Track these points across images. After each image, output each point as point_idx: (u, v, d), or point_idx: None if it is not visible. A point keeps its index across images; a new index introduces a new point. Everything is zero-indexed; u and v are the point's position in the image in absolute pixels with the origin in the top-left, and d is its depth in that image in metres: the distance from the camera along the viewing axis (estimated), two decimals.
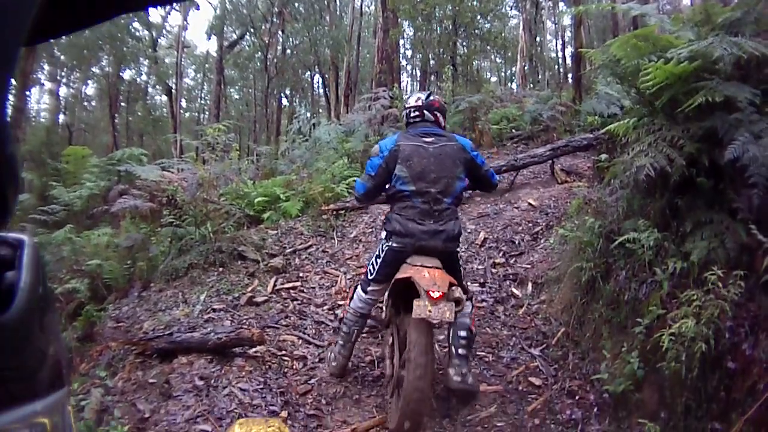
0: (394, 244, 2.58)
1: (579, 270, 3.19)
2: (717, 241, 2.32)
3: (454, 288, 2.43)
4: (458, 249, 2.82)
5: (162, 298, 4.00)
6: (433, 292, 2.31)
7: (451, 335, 2.69)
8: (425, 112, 2.76)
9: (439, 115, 2.78)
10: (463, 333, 2.66)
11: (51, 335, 0.46)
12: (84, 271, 4.23)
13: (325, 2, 19.42)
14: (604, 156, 3.96)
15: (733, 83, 2.49)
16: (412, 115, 2.78)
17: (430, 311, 2.28)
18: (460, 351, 2.63)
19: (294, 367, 3.16)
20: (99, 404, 2.67)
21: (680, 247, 2.53)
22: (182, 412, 2.61)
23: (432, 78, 14.26)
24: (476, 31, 12.66)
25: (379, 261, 2.66)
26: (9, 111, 0.38)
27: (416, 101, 2.80)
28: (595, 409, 2.66)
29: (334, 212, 5.62)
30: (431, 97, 2.80)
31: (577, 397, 2.78)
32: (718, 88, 2.44)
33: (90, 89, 24.55)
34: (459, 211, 2.84)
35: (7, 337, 0.37)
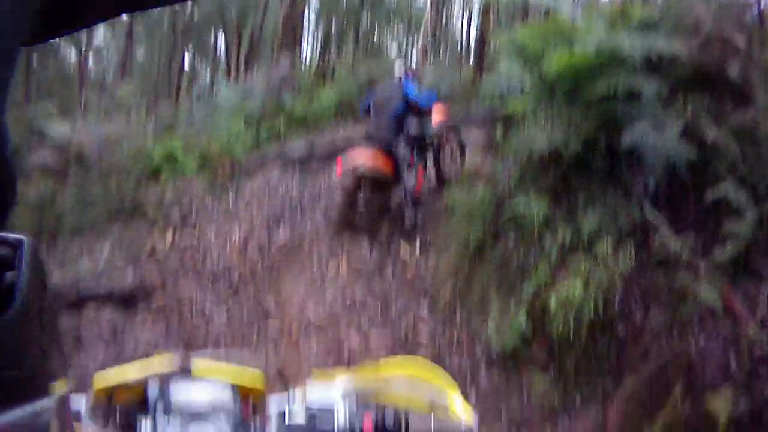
0: None
1: (467, 235, 3.29)
2: (609, 216, 2.44)
3: None
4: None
5: (68, 250, 4.04)
6: None
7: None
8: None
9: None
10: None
11: (51, 335, 0.47)
12: None
13: None
14: (499, 132, 4.00)
15: (641, 76, 2.55)
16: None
17: None
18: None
19: (193, 317, 3.32)
20: None
21: (570, 219, 2.64)
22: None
23: (332, 48, 13.73)
24: (383, 5, 12.90)
25: None
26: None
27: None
28: (484, 361, 2.88)
29: (230, 172, 5.68)
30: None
31: (464, 350, 3.00)
32: (625, 79, 2.49)
33: None
34: None
35: (8, 337, 0.37)
